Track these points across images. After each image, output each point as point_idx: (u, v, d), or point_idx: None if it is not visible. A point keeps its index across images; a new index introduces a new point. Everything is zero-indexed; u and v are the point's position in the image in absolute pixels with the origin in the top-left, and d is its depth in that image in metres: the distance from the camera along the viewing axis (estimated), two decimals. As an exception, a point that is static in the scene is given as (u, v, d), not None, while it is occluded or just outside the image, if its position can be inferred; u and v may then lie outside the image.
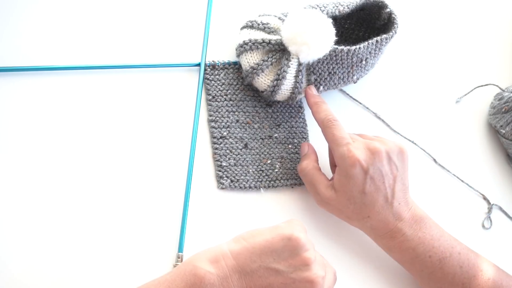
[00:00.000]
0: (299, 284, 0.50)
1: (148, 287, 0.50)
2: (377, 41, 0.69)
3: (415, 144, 0.76)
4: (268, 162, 0.69)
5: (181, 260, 0.61)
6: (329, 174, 0.67)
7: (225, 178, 0.66)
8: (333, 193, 0.63)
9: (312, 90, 0.67)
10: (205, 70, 0.69)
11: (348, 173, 0.61)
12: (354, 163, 0.61)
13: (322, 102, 0.66)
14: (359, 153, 0.61)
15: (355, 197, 0.62)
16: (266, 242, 0.51)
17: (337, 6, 0.70)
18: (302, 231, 0.52)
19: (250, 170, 0.67)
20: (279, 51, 0.66)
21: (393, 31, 0.70)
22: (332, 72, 0.69)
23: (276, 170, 0.69)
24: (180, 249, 0.62)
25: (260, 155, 0.69)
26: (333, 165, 0.67)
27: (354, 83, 0.72)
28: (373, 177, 0.61)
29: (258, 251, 0.50)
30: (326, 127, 0.64)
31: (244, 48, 0.66)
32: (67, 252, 0.59)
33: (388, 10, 0.71)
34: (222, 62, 0.70)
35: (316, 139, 0.72)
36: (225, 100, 0.69)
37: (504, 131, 0.76)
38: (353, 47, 0.67)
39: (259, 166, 0.68)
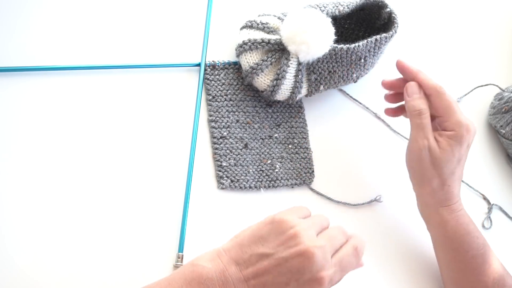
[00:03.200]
0: (292, 261, 0.48)
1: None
2: (376, 39, 0.69)
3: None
4: (268, 162, 0.69)
5: (181, 260, 0.61)
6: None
7: (225, 178, 0.66)
8: (438, 147, 0.63)
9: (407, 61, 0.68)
10: (205, 70, 0.69)
11: (463, 138, 0.63)
12: (469, 131, 0.63)
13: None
14: (472, 125, 0.64)
15: (452, 162, 0.63)
16: (253, 231, 0.51)
17: (337, 6, 0.70)
18: (290, 213, 0.52)
19: (250, 170, 0.67)
20: (278, 51, 0.66)
21: (393, 31, 0.70)
22: (332, 71, 0.69)
23: (276, 170, 0.68)
24: (180, 249, 0.62)
25: (260, 155, 0.69)
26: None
27: (354, 82, 0.72)
28: (466, 151, 0.64)
29: (247, 242, 0.50)
30: (442, 93, 0.65)
31: (243, 48, 0.66)
32: (68, 252, 0.59)
33: (388, 9, 0.71)
34: (222, 62, 0.70)
35: (316, 139, 0.72)
36: (225, 100, 0.69)
37: (504, 131, 0.76)
38: (352, 45, 0.67)
39: (259, 166, 0.68)
